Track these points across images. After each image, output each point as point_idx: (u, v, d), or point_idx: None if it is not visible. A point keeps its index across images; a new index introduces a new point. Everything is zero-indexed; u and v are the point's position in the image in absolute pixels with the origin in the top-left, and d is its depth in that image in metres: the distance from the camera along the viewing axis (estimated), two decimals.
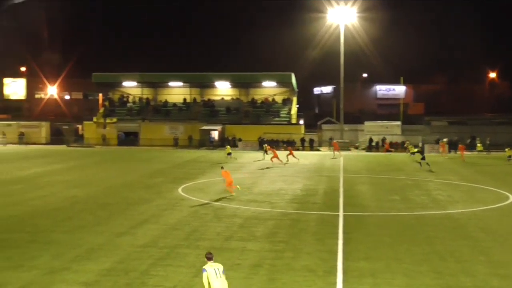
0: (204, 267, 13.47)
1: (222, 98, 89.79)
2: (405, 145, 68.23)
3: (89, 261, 18.69)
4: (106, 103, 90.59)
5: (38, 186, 37.05)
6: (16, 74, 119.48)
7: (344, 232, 23.13)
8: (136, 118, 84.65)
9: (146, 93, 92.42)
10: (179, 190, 35.26)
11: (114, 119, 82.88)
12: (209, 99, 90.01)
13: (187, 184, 38.03)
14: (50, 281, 16.60)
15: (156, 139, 78.30)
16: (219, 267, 13.38)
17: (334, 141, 68.91)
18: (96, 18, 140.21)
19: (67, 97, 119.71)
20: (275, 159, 52.69)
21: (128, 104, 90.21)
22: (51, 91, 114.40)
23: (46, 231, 23.26)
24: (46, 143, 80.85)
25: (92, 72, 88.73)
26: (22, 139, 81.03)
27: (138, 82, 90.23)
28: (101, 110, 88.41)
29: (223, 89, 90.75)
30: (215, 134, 79.11)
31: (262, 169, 48.70)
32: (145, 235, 22.63)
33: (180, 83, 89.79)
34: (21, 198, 31.95)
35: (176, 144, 76.67)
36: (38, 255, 19.42)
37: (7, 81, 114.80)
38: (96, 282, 16.55)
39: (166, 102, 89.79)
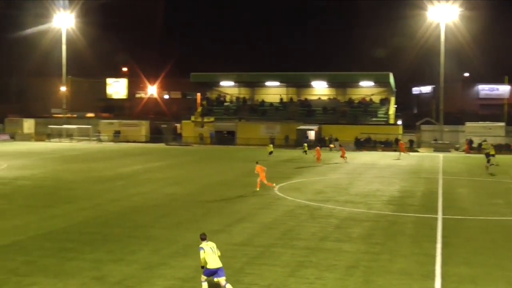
0: (200, 246, 15.31)
1: (319, 98, 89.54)
2: (483, 146, 65.77)
3: (186, 257, 19.16)
4: (204, 103, 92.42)
5: (139, 183, 38.34)
6: (118, 74, 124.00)
7: (443, 236, 22.54)
8: (233, 117, 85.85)
9: (243, 92, 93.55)
10: (275, 189, 35.47)
11: (212, 118, 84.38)
12: (305, 99, 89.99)
13: (283, 184, 38.20)
14: (148, 275, 17.16)
15: (252, 138, 79.11)
16: (213, 245, 15.30)
17: (401, 141, 66.95)
18: (195, 19, 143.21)
19: (166, 96, 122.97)
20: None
21: (225, 104, 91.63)
22: (151, 90, 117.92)
23: (145, 226, 24.05)
24: (146, 141, 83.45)
25: (190, 72, 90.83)
26: (117, 137, 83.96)
27: (235, 81, 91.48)
28: (199, 109, 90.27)
29: (319, 89, 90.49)
30: (311, 134, 78.99)
31: (298, 168, 48.21)
32: (241, 233, 22.94)
33: (277, 83, 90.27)
34: (122, 194, 33.19)
35: (272, 143, 77.30)
36: (138, 249, 20.10)
37: (109, 81, 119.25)
38: (192, 278, 16.94)
39: (262, 101, 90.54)
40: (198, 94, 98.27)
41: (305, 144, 61.89)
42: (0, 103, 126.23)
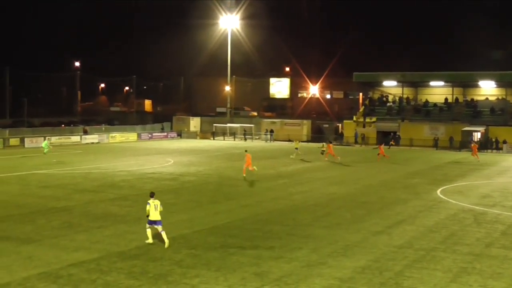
0: (148, 201, 20.51)
1: (487, 98, 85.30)
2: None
3: (344, 258, 19.16)
4: (366, 102, 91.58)
5: (299, 181, 38.86)
6: (281, 74, 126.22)
7: None
8: (395, 117, 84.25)
9: (406, 92, 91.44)
10: (438, 192, 34.41)
11: (374, 119, 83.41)
12: (472, 99, 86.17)
13: (446, 186, 36.95)
14: (307, 273, 17.37)
15: (415, 139, 77.12)
16: (158, 203, 20.52)
17: (473, 144, 61.16)
18: (357, 18, 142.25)
19: (328, 96, 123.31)
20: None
21: (388, 104, 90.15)
22: (313, 90, 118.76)
23: (305, 225, 24.35)
24: (307, 141, 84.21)
25: (353, 71, 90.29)
26: (270, 136, 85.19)
27: (398, 81, 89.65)
28: (361, 109, 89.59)
29: (487, 89, 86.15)
30: (477, 136, 75.49)
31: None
32: (401, 235, 22.54)
33: (442, 83, 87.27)
34: (283, 192, 33.82)
35: (436, 145, 74.74)
36: (297, 247, 20.41)
37: (273, 80, 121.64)
38: (350, 278, 16.92)
39: (426, 101, 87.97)
40: (361, 94, 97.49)
41: (323, 144, 59.24)
42: (170, 103, 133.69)
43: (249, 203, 29.82)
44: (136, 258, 18.74)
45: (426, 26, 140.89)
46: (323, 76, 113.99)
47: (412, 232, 23.21)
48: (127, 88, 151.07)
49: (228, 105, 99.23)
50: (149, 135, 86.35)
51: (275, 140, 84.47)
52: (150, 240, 20.69)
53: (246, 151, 43.40)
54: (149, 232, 20.73)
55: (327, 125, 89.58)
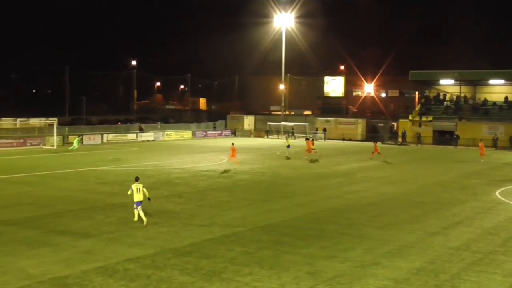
0: (131, 185, 23.87)
1: None
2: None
3: (399, 258, 18.92)
4: (422, 101, 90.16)
5: (354, 181, 38.56)
6: (336, 73, 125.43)
7: None
8: (452, 117, 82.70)
9: (464, 91, 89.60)
10: (497, 193, 33.63)
11: (430, 118, 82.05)
12: None
13: (505, 188, 36.06)
14: (361, 274, 17.22)
15: (473, 139, 75.54)
16: (140, 186, 23.69)
17: (481, 143, 58.57)
18: (413, 15, 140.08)
19: (383, 94, 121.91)
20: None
21: (445, 103, 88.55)
22: (368, 88, 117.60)
23: (359, 224, 24.14)
24: (362, 140, 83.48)
25: (408, 69, 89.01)
26: (324, 135, 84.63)
27: (456, 80, 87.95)
28: (417, 108, 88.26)
29: None
30: None
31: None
32: (458, 237, 22.11)
33: (502, 81, 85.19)
34: (337, 191, 33.63)
35: (495, 145, 73.03)
36: (351, 247, 20.25)
37: (327, 79, 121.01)
38: (405, 280, 16.70)
39: (485, 100, 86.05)
40: (416, 93, 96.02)
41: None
42: (224, 101, 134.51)
43: (303, 202, 29.76)
44: (190, 255, 18.92)
45: (485, 22, 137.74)
46: (378, 75, 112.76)
47: (470, 234, 22.74)
48: (182, 86, 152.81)
49: (282, 104, 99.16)
50: (204, 133, 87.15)
51: (328, 138, 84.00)
52: (135, 218, 24.08)
53: (232, 144, 49.31)
54: (135, 212, 24.04)
55: (382, 124, 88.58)
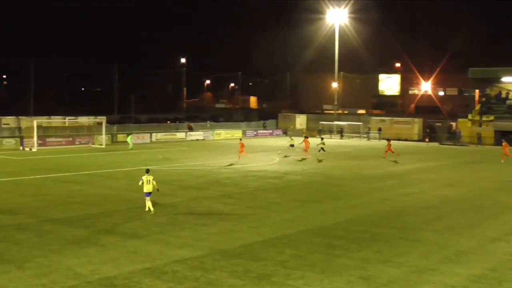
0: (142, 177, 26.24)
1: None
2: None
3: (457, 264, 18.56)
4: (483, 100, 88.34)
5: (409, 182, 38.07)
6: (391, 70, 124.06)
7: None
8: None
9: None
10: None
11: (491, 117, 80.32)
12: None
13: None
14: (416, 280, 16.96)
15: None
16: (150, 178, 26.02)
17: (504, 142, 56.02)
18: (471, 10, 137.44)
19: (441, 93, 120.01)
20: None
21: (507, 101, 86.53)
22: (425, 87, 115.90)
23: (414, 228, 23.80)
24: (418, 140, 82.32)
25: (467, 66, 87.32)
26: (378, 135, 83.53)
27: None
28: (477, 107, 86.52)
29: None
30: None
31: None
32: None
33: None
34: (392, 193, 33.25)
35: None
36: (406, 252, 19.98)
37: (382, 77, 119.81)
38: (464, 287, 16.38)
39: None
40: (477, 91, 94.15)
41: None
42: (276, 99, 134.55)
43: (356, 204, 29.54)
44: (239, 257, 18.97)
45: None
46: (436, 72, 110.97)
47: None
48: (232, 84, 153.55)
49: (335, 102, 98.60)
50: (254, 132, 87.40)
51: (383, 139, 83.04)
52: (147, 209, 26.17)
53: (240, 139, 54.52)
54: (147, 203, 26.25)
55: (439, 124, 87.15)
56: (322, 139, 56.64)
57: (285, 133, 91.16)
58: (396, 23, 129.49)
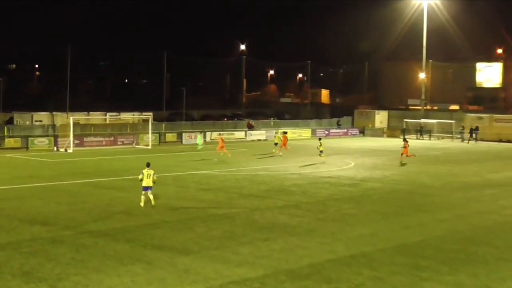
0: (142, 171, 29.66)
1: None
2: None
3: None
4: None
5: None
6: (492, 58, 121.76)
7: None
8: None
9: None
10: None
11: None
12: None
13: None
14: None
15: None
16: (151, 172, 29.44)
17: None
18: None
19: None
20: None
21: None
22: None
23: None
24: None
25: None
26: (475, 134, 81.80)
27: None
28: None
29: None
30: None
31: None
32: None
33: None
34: (492, 205, 32.70)
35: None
36: (509, 276, 19.56)
37: (480, 66, 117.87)
38: None
39: None
40: None
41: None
42: (351, 93, 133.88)
43: (448, 217, 29.15)
44: (308, 278, 18.94)
45: None
46: None
47: None
48: (300, 75, 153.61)
49: (423, 96, 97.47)
50: (326, 132, 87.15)
51: (481, 139, 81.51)
52: (142, 204, 29.91)
53: (219, 134, 62.91)
54: (142, 197, 29.95)
55: None
56: (320, 139, 55.73)
57: (362, 132, 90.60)
58: (498, 1, 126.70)
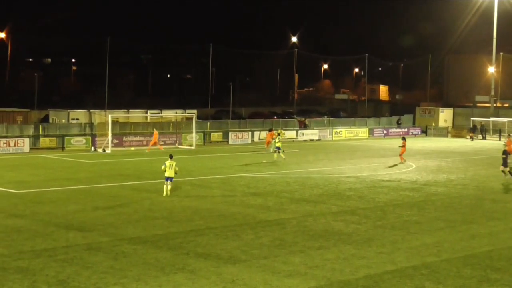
0: (165, 162, 34.14)
1: None
2: None
3: None
4: None
5: None
6: None
7: None
8: None
9: None
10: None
11: None
12: None
13: None
14: None
15: None
16: (173, 163, 33.87)
17: (510, 138, 50.81)
18: None
19: None
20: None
21: None
22: None
23: None
24: None
25: None
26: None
27: None
28: None
29: None
30: None
31: None
32: None
33: None
34: None
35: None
36: None
37: None
38: None
39: None
40: None
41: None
42: (413, 89, 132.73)
43: None
44: None
45: None
46: None
47: None
48: (357, 70, 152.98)
49: (492, 92, 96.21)
50: (384, 131, 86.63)
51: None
52: (164, 194, 34.24)
53: (154, 129, 62.94)
54: (165, 187, 34.42)
55: None
56: (278, 134, 55.03)
57: (424, 132, 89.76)
58: None
